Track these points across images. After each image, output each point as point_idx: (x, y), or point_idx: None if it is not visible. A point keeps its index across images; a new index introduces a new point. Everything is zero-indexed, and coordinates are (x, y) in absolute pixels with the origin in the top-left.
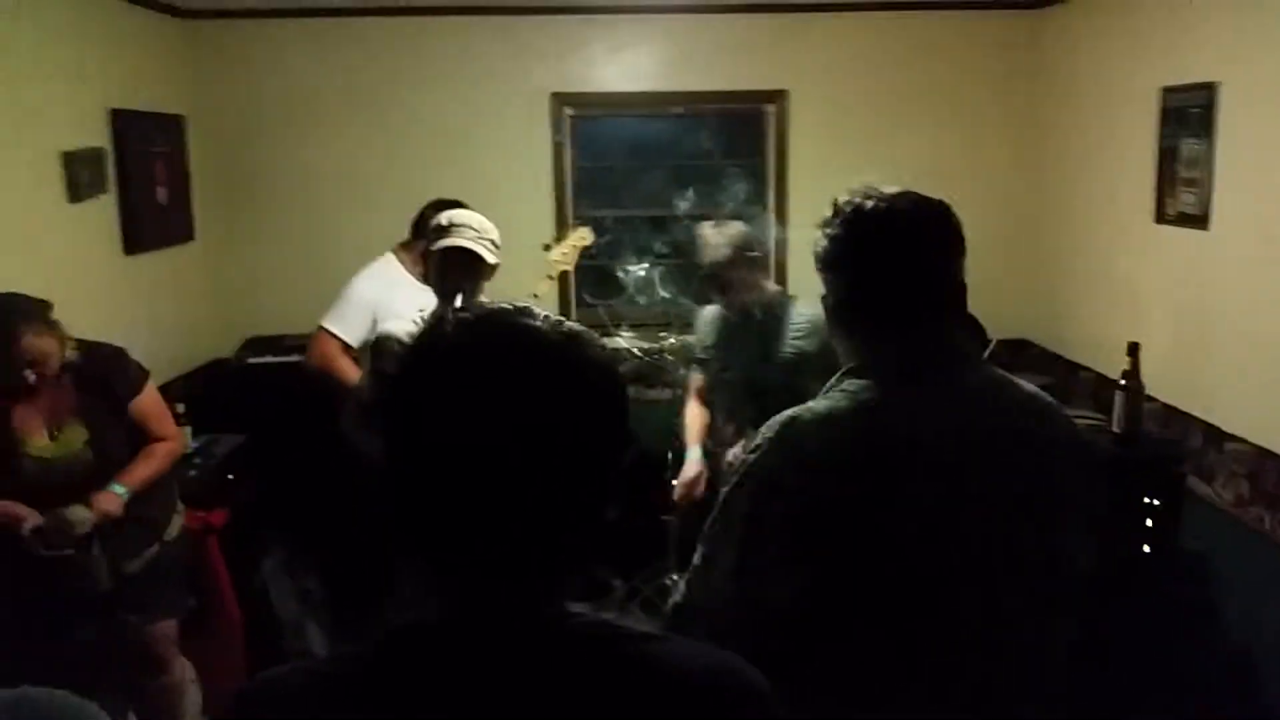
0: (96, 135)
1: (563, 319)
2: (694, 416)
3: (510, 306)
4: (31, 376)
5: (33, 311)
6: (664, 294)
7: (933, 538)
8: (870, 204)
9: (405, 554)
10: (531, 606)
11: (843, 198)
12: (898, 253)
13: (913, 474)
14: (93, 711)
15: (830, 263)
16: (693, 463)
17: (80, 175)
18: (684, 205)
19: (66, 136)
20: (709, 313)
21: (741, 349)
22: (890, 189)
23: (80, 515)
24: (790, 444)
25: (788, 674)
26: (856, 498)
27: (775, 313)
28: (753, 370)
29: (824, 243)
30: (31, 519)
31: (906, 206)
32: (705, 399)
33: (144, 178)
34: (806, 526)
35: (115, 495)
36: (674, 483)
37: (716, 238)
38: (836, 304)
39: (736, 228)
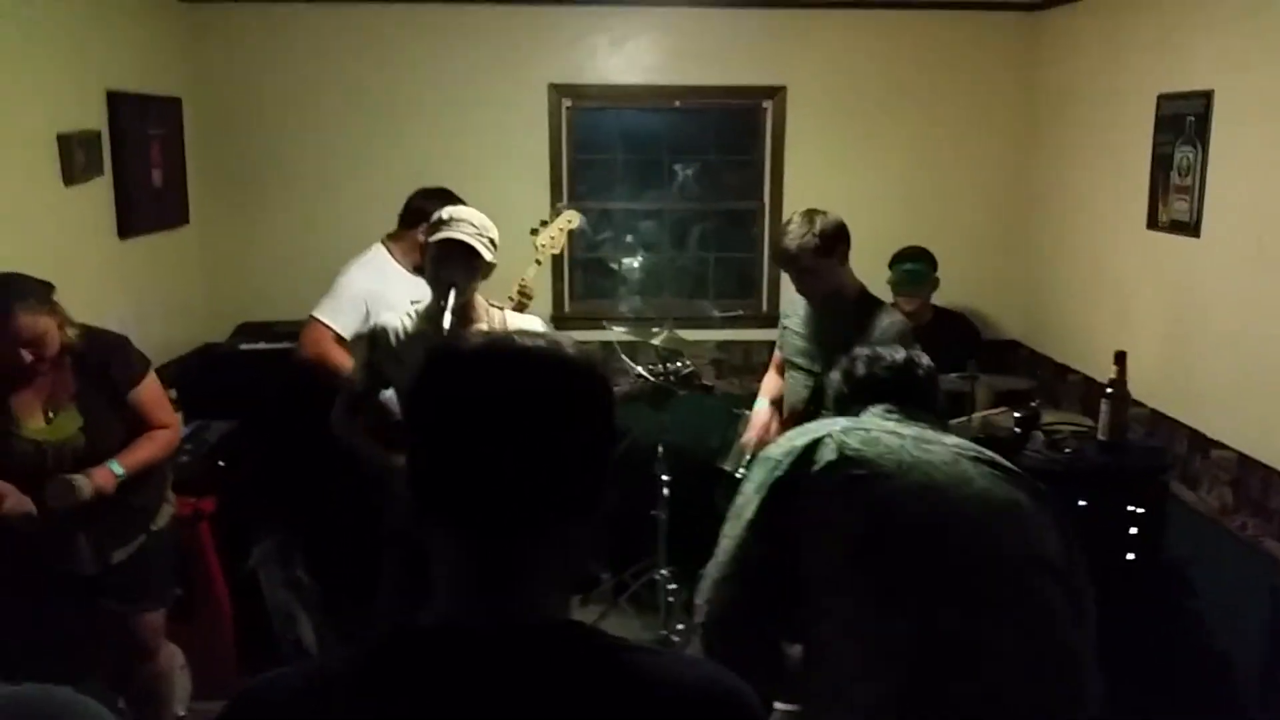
0: (92, 117)
1: (555, 336)
2: (769, 379)
3: (516, 331)
4: (28, 356)
5: (30, 290)
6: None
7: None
8: (873, 364)
9: (418, 538)
10: (531, 608)
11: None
12: (895, 382)
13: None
14: (95, 708)
15: (857, 391)
16: (760, 412)
17: (76, 157)
18: (681, 199)
19: (62, 118)
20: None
21: (825, 342)
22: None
23: (81, 483)
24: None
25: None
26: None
27: (861, 314)
28: (825, 368)
29: (848, 383)
30: (12, 497)
31: (896, 360)
32: (782, 372)
33: (139, 160)
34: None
35: (111, 472)
36: (744, 441)
37: (803, 225)
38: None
39: (828, 218)
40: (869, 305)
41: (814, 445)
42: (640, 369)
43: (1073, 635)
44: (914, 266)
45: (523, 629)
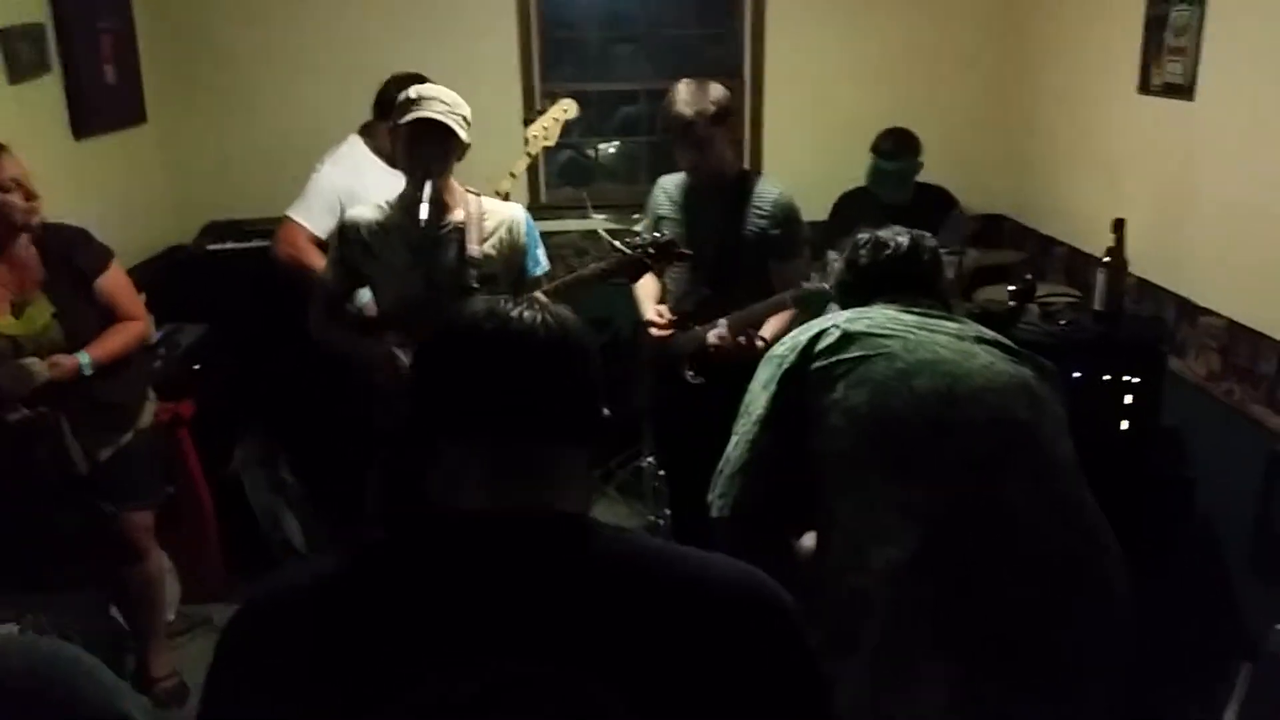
0: (34, 9)
1: (550, 306)
2: (647, 285)
3: (511, 301)
4: (17, 201)
5: None
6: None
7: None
8: (878, 251)
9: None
10: (548, 502)
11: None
12: (900, 270)
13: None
14: (100, 670)
15: (862, 280)
16: (649, 310)
17: (20, 53)
18: (658, 78)
19: (1, 11)
20: (668, 182)
21: (702, 223)
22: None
23: (36, 368)
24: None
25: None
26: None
27: (741, 187)
28: (712, 248)
29: (851, 271)
30: None
31: (901, 246)
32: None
33: (89, 55)
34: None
35: (75, 360)
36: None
37: (695, 96)
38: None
39: (716, 88)
40: (748, 180)
41: (818, 335)
42: (616, 242)
43: (1085, 490)
44: (897, 166)
45: (548, 516)
